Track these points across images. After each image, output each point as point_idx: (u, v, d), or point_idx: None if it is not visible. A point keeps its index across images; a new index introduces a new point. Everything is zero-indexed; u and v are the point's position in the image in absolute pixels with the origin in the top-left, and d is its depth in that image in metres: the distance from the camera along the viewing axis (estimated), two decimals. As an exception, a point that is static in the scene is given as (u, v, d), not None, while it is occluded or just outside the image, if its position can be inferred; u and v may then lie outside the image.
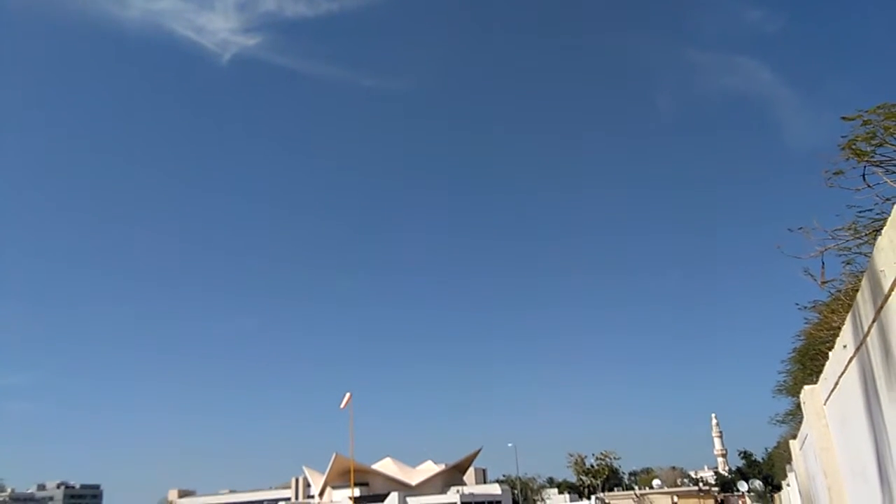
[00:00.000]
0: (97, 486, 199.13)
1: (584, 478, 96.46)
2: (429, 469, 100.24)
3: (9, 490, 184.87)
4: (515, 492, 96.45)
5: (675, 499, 64.85)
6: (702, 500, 64.09)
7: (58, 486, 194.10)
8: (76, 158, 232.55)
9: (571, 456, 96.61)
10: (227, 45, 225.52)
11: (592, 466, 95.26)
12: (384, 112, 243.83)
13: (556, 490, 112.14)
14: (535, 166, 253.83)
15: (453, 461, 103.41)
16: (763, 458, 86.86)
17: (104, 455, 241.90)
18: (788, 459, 29.51)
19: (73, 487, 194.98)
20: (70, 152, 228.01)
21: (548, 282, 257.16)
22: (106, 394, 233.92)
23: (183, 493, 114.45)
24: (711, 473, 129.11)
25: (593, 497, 59.62)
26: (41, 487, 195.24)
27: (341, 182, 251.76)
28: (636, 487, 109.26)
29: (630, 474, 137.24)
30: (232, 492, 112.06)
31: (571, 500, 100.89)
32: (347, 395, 40.45)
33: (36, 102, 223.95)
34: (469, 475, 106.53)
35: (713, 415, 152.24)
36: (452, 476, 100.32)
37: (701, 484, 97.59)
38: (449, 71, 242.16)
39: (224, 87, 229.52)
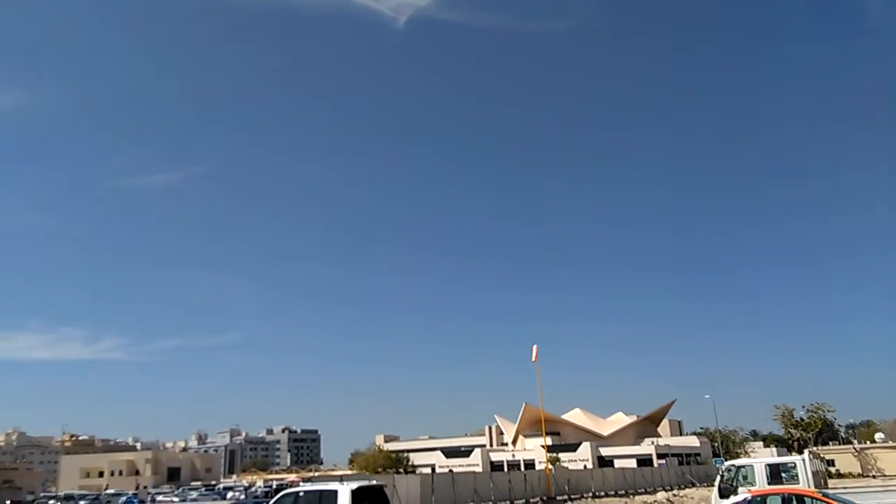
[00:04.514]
0: (315, 431, 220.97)
1: (792, 431, 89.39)
2: (620, 420, 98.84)
3: (243, 434, 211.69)
4: (715, 444, 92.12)
5: (904, 455, 57.86)
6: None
7: (283, 431, 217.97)
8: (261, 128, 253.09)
9: (778, 408, 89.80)
10: (402, 7, 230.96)
11: (802, 419, 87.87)
12: (551, 53, 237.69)
13: (760, 443, 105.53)
14: (714, 97, 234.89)
15: (645, 413, 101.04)
16: None
17: (322, 404, 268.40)
18: None
19: (295, 432, 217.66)
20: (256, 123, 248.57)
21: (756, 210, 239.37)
22: (325, 348, 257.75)
23: (388, 439, 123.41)
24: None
25: (805, 451, 54.90)
26: (269, 432, 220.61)
27: (524, 129, 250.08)
28: (855, 441, 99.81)
29: (847, 427, 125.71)
30: (431, 438, 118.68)
31: (780, 455, 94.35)
32: (535, 347, 41.49)
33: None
34: (663, 427, 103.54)
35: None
36: (645, 427, 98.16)
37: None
38: (613, 7, 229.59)
39: (404, 50, 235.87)
